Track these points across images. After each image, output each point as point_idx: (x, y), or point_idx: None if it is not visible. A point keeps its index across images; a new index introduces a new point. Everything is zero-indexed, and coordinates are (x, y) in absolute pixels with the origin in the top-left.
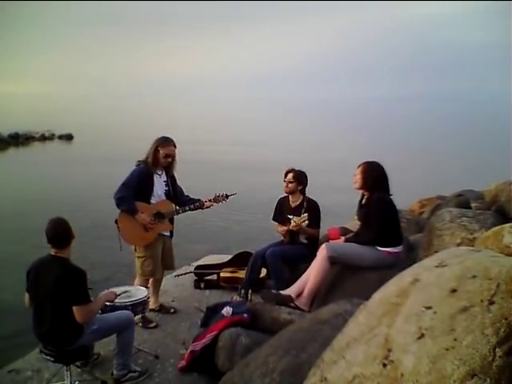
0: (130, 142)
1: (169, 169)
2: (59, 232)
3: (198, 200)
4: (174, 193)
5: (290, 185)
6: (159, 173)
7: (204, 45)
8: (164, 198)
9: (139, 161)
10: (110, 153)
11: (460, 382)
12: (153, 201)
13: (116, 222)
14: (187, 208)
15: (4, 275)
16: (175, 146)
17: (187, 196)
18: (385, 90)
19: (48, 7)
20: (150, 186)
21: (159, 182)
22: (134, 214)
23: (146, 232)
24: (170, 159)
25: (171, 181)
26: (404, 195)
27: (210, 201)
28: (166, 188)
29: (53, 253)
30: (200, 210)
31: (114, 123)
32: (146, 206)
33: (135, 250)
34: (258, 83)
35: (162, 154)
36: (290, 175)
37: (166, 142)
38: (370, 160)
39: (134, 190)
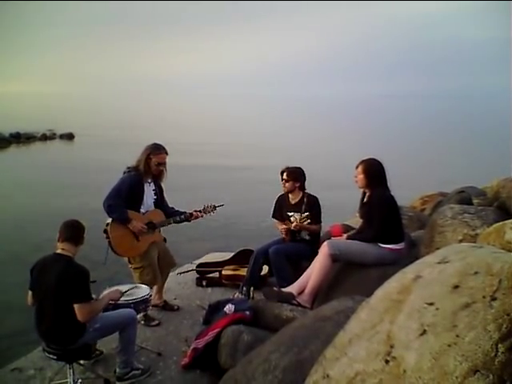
0: (131, 141)
1: (159, 177)
2: (75, 226)
3: (184, 212)
4: (161, 202)
5: (286, 184)
6: (149, 181)
7: (204, 44)
8: (152, 207)
9: (129, 167)
10: (110, 152)
11: (462, 378)
12: (142, 210)
13: (105, 231)
14: (177, 219)
15: (6, 274)
16: (167, 154)
17: (172, 207)
18: (381, 87)
19: (48, 7)
20: (141, 194)
21: (149, 191)
22: (126, 223)
23: (138, 242)
24: (161, 167)
25: (159, 190)
26: (404, 191)
27: (199, 211)
28: (155, 197)
29: (59, 250)
30: (187, 222)
31: (114, 122)
32: (137, 216)
33: (129, 262)
34: (255, 81)
35: (155, 162)
36: (285, 174)
37: (157, 149)
38: (368, 158)
39: (125, 198)
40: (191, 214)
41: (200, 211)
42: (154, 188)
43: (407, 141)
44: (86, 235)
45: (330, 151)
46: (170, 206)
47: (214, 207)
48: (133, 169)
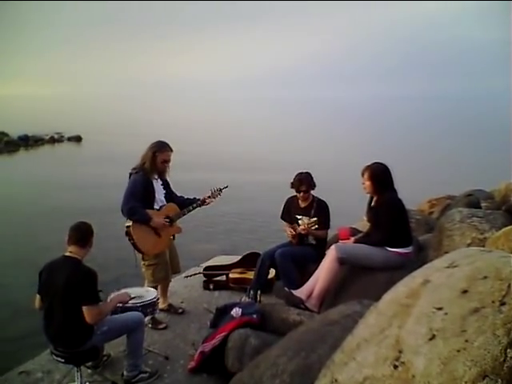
0: (133, 142)
1: (163, 173)
2: (82, 229)
3: (195, 198)
4: (171, 195)
5: (305, 195)
6: (156, 177)
7: (205, 45)
8: (164, 202)
9: (134, 168)
10: (117, 154)
11: (471, 383)
12: (156, 206)
13: (126, 233)
14: (191, 208)
15: (15, 277)
16: (171, 150)
17: (182, 196)
18: (384, 89)
19: (46, 7)
20: (152, 192)
21: (158, 188)
22: (149, 222)
23: (160, 238)
24: (166, 164)
25: (165, 184)
26: (409, 194)
27: (209, 197)
28: (165, 191)
29: (67, 253)
30: (202, 206)
31: (118, 125)
32: (155, 213)
33: (143, 258)
34: (257, 84)
35: (160, 160)
36: (303, 187)
37: (163, 147)
38: (373, 163)
39: (140, 199)
40: (203, 201)
41: (209, 197)
42: (161, 183)
43: (411, 143)
44: (93, 238)
45: (329, 154)
46: (179, 195)
47: (220, 190)
48: (139, 168)
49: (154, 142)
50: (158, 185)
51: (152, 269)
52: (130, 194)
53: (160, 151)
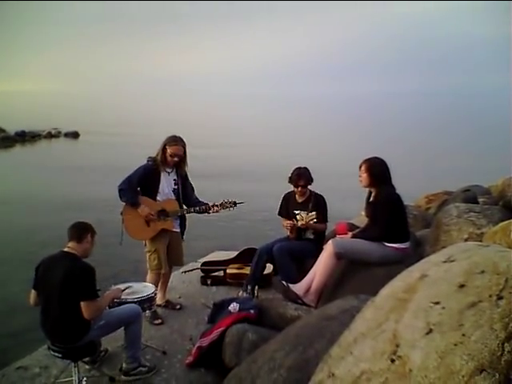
0: (133, 140)
1: (179, 168)
2: (77, 226)
3: (205, 204)
4: (183, 192)
5: (303, 189)
6: (168, 171)
7: (204, 43)
8: (171, 196)
9: (150, 157)
10: (114, 151)
11: (469, 377)
12: (159, 198)
13: (122, 213)
14: (192, 210)
15: (11, 272)
16: (184, 146)
17: (196, 198)
18: (382, 85)
19: (48, 5)
20: (155, 183)
21: (167, 181)
22: (135, 207)
23: (148, 227)
24: (176, 158)
25: (182, 180)
26: (406, 190)
27: (217, 206)
28: (175, 187)
29: (65, 249)
30: (206, 213)
31: (116, 121)
32: (151, 202)
33: (145, 244)
34: (254, 80)
35: (169, 153)
36: (302, 181)
37: (173, 141)
38: (371, 156)
39: (137, 185)
40: (207, 208)
41: (217, 205)
42: (175, 178)
43: (408, 139)
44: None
45: (327, 151)
46: (195, 197)
47: (235, 203)
48: (152, 159)
49: (168, 136)
50: (167, 178)
51: (148, 255)
52: (127, 178)
53: (169, 144)
